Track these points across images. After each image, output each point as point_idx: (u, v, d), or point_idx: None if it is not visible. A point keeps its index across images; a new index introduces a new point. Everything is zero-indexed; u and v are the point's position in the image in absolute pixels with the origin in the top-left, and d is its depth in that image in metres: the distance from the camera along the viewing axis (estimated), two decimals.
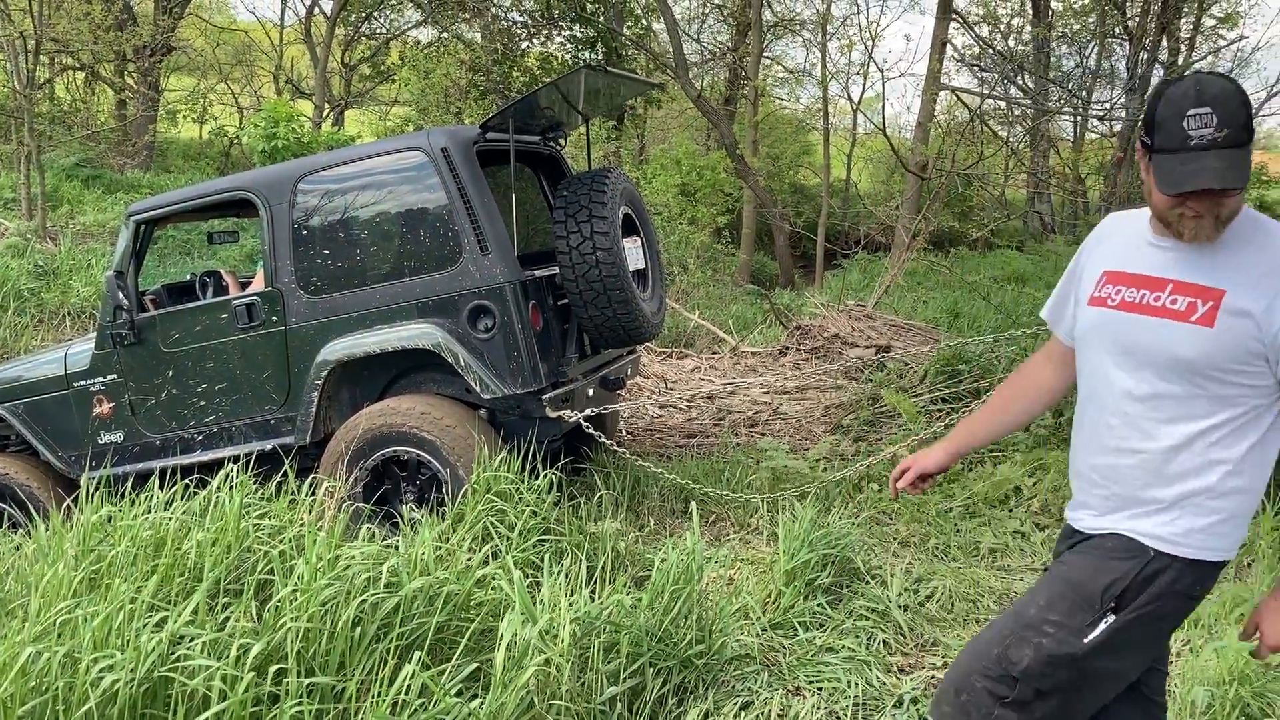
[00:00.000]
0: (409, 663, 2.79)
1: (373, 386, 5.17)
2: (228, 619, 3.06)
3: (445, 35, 21.17)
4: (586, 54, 21.52)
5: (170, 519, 3.64)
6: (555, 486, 4.58)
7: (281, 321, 5.01)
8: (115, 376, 5.29)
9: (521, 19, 20.93)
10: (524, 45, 21.16)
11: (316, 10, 25.22)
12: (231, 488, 3.83)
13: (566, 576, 3.56)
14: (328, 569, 3.23)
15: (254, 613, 3.15)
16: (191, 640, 2.90)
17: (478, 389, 4.77)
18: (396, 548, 3.56)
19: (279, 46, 30.09)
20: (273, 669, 2.85)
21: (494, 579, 3.48)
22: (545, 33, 21.07)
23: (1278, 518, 4.37)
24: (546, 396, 4.86)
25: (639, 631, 3.29)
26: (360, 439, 4.81)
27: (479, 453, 4.56)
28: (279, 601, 3.09)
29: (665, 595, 3.46)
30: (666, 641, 3.35)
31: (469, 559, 3.66)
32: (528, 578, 3.71)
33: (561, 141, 5.84)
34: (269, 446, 5.10)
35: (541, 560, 3.93)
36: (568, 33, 21.09)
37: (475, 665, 3.02)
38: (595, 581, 3.84)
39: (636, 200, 5.58)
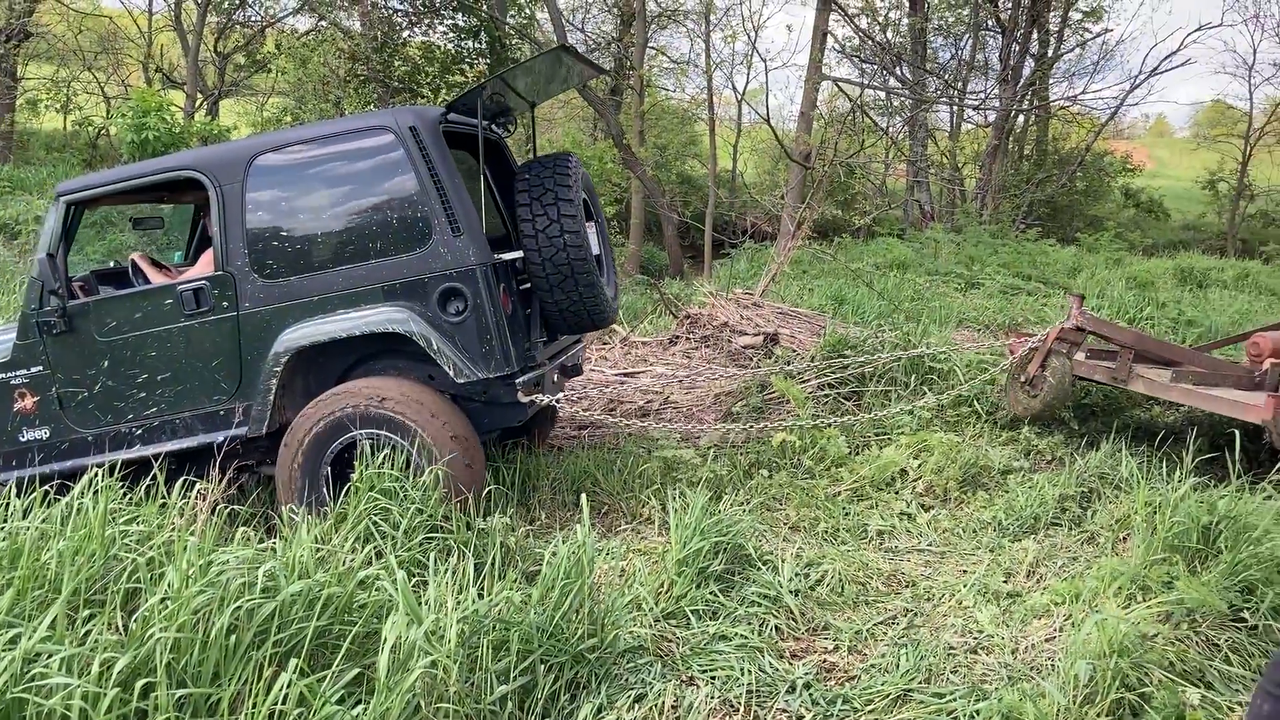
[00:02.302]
0: (286, 670, 2.67)
1: (328, 374, 4.98)
2: (89, 633, 2.88)
3: (323, 23, 20.60)
4: (470, 43, 21.21)
5: (28, 528, 3.42)
6: (440, 482, 4.47)
7: (233, 307, 4.75)
8: (40, 368, 4.90)
9: (402, 7, 20.52)
10: (405, 34, 20.73)
11: None
12: (96, 493, 3.63)
13: (454, 575, 3.46)
14: (200, 575, 3.08)
15: (120, 624, 2.98)
16: (49, 657, 2.72)
17: (450, 373, 4.65)
18: (274, 550, 3.41)
19: (147, 34, 28.89)
20: (140, 683, 2.69)
21: (377, 580, 3.36)
22: (427, 21, 20.69)
23: (1151, 492, 4.52)
24: (519, 380, 4.79)
25: (529, 628, 3.22)
26: (326, 423, 4.63)
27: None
28: (146, 611, 2.92)
29: (556, 590, 3.40)
30: (558, 637, 3.28)
31: (351, 560, 3.53)
32: (413, 577, 3.61)
33: (510, 128, 5.70)
34: (220, 439, 4.80)
35: (428, 559, 3.83)
36: (450, 22, 20.75)
37: (358, 670, 2.91)
38: (484, 579, 3.75)
39: (590, 186, 5.55)
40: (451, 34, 20.69)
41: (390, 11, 19.80)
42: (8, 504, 3.69)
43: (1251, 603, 3.73)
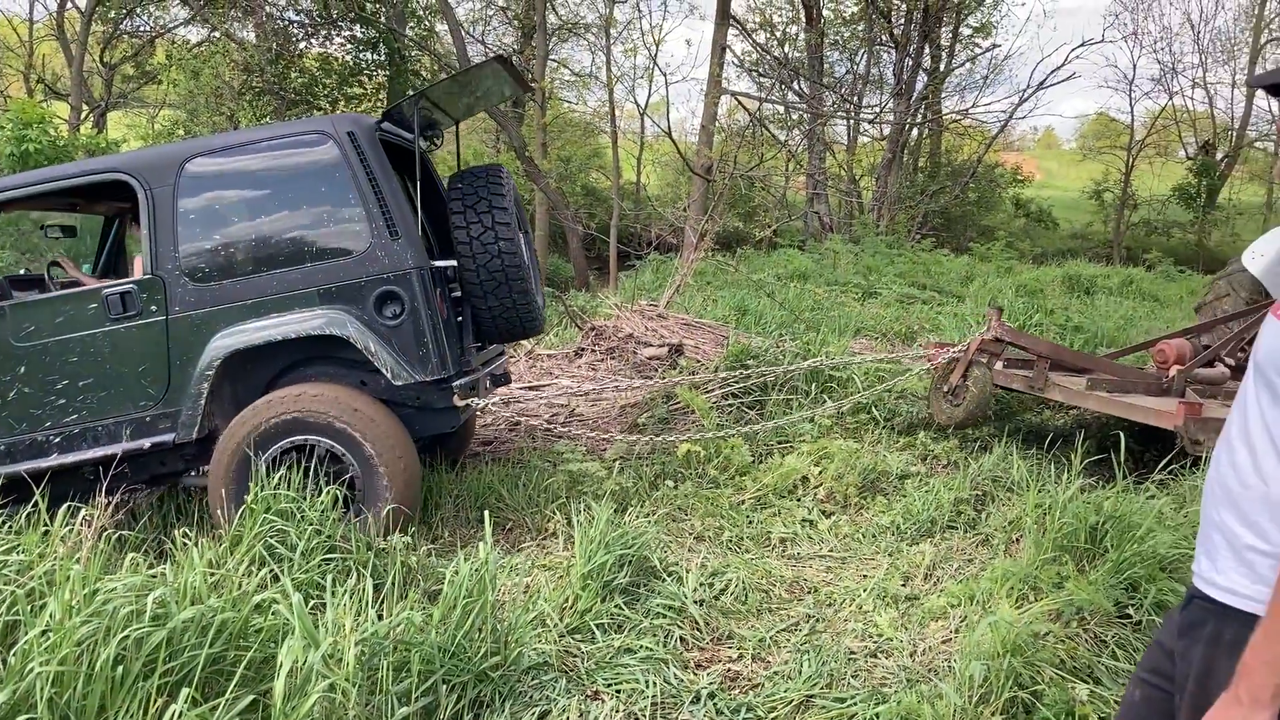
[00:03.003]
0: (176, 700, 2.58)
1: (257, 381, 4.90)
2: None
3: (216, 34, 20.14)
4: (369, 55, 20.97)
5: None
6: (341, 502, 4.40)
7: (162, 311, 4.68)
8: None
9: (298, 18, 20.20)
10: (301, 45, 20.41)
11: (70, 5, 23.49)
12: None
13: (353, 596, 3.40)
14: (84, 605, 2.96)
15: None
16: None
17: (388, 376, 4.66)
18: (164, 576, 3.30)
19: (28, 43, 27.87)
20: None
21: (273, 604, 3.28)
22: (324, 33, 20.40)
23: (1041, 494, 4.66)
24: (457, 384, 4.83)
25: (430, 648, 3.18)
26: (263, 429, 4.56)
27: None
28: (26, 645, 2.80)
29: (458, 608, 3.36)
30: (460, 656, 3.24)
31: (245, 584, 3.43)
32: (311, 600, 3.54)
33: (437, 142, 5.71)
34: (146, 445, 4.71)
35: (326, 580, 3.76)
36: (348, 33, 20.49)
37: (252, 697, 2.83)
38: (385, 599, 3.69)
39: (518, 197, 5.60)
40: (349, 45, 20.44)
41: (286, 23, 19.46)
42: None
43: (1136, 599, 3.87)
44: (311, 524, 4.13)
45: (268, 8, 19.14)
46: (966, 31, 27.36)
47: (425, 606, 3.53)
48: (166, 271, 4.70)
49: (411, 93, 4.99)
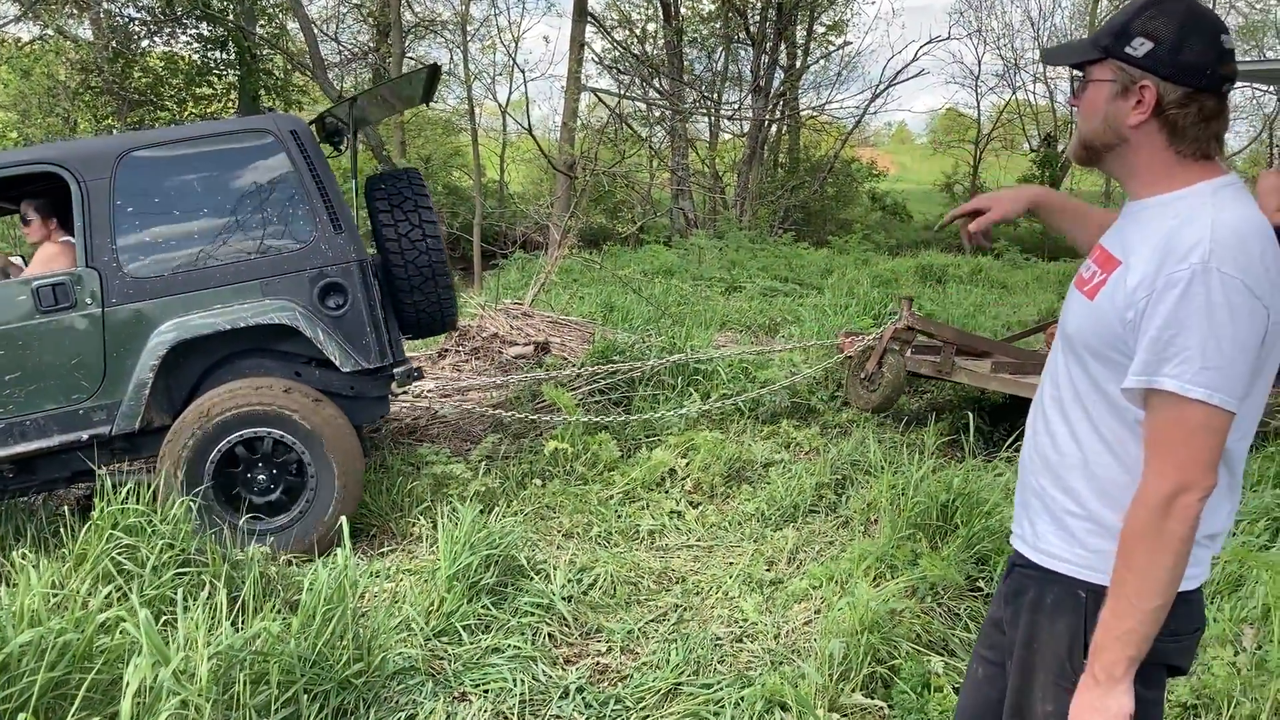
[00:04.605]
0: None
1: (190, 373, 4.87)
2: None
3: (48, 32, 19.14)
4: (217, 54, 20.26)
5: None
6: (195, 513, 4.25)
7: (98, 303, 4.62)
8: None
9: (139, 15, 19.35)
10: (144, 44, 19.57)
11: None
12: None
13: (206, 610, 3.28)
14: None
15: None
16: None
17: (337, 362, 4.80)
18: None
19: None
20: None
21: (121, 622, 3.14)
22: (168, 30, 19.62)
23: (895, 476, 4.82)
24: (397, 371, 5.02)
25: (290, 658, 3.09)
26: (214, 421, 4.58)
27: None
28: None
29: (318, 617, 3.28)
30: (321, 665, 3.17)
31: (89, 603, 3.28)
32: (162, 616, 3.41)
33: (342, 148, 5.79)
34: (84, 437, 4.66)
35: (178, 596, 3.62)
36: (194, 31, 19.76)
37: None
38: (242, 612, 3.57)
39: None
40: (196, 44, 19.71)
41: (126, 20, 18.63)
42: None
43: (985, 572, 4.04)
44: (164, 538, 3.98)
45: (105, 4, 18.29)
46: (820, 29, 28.08)
47: (285, 616, 3.44)
48: (103, 264, 4.64)
49: (350, 94, 5.05)
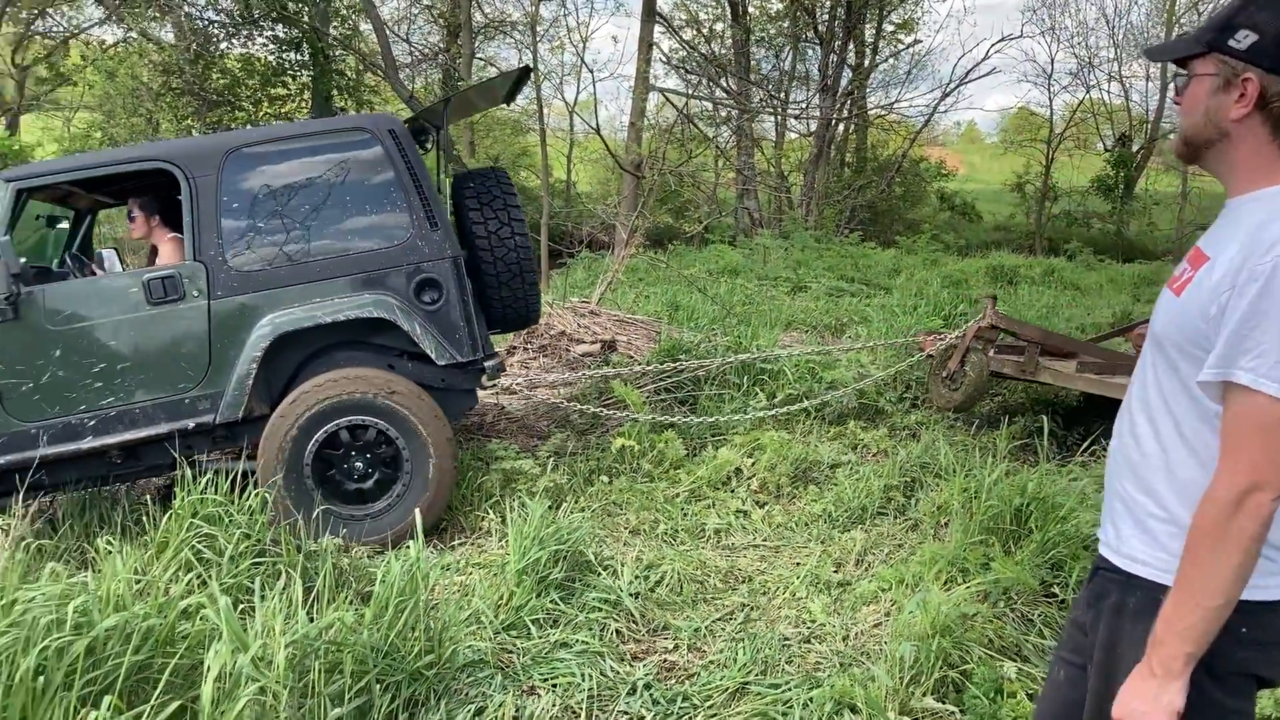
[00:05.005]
0: (99, 709, 2.53)
1: (286, 365, 5.00)
2: None
3: (132, 34, 19.65)
4: (292, 55, 20.62)
5: None
6: (268, 505, 4.34)
7: (205, 296, 4.78)
8: None
9: (218, 18, 19.78)
10: (222, 45, 20.00)
11: None
12: None
13: (283, 599, 3.35)
14: (2, 615, 2.88)
15: None
16: None
17: (433, 355, 4.95)
18: (85, 585, 3.22)
19: None
20: None
21: (201, 609, 3.22)
22: (246, 33, 20.01)
23: (968, 479, 4.76)
24: (488, 365, 5.14)
25: (363, 648, 3.14)
26: (315, 409, 4.77)
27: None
28: None
29: (390, 608, 3.33)
30: (393, 655, 3.22)
31: (171, 590, 3.37)
32: (240, 604, 3.48)
33: (427, 147, 5.88)
34: (190, 425, 4.80)
35: (257, 584, 3.70)
36: (270, 33, 20.13)
37: (180, 703, 2.77)
38: (316, 602, 3.64)
39: None
40: (272, 46, 20.08)
41: (206, 22, 19.05)
42: None
43: (1060, 578, 3.97)
44: (240, 528, 4.08)
45: (186, 7, 18.72)
46: (889, 28, 27.79)
47: (358, 607, 3.50)
48: (209, 257, 4.80)
49: (444, 95, 5.21)
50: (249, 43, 20.49)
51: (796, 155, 27.22)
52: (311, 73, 20.72)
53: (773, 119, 25.99)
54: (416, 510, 4.06)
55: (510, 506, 4.72)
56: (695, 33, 23.52)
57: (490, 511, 5.10)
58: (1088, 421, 6.51)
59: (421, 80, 26.22)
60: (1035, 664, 3.48)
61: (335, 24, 20.92)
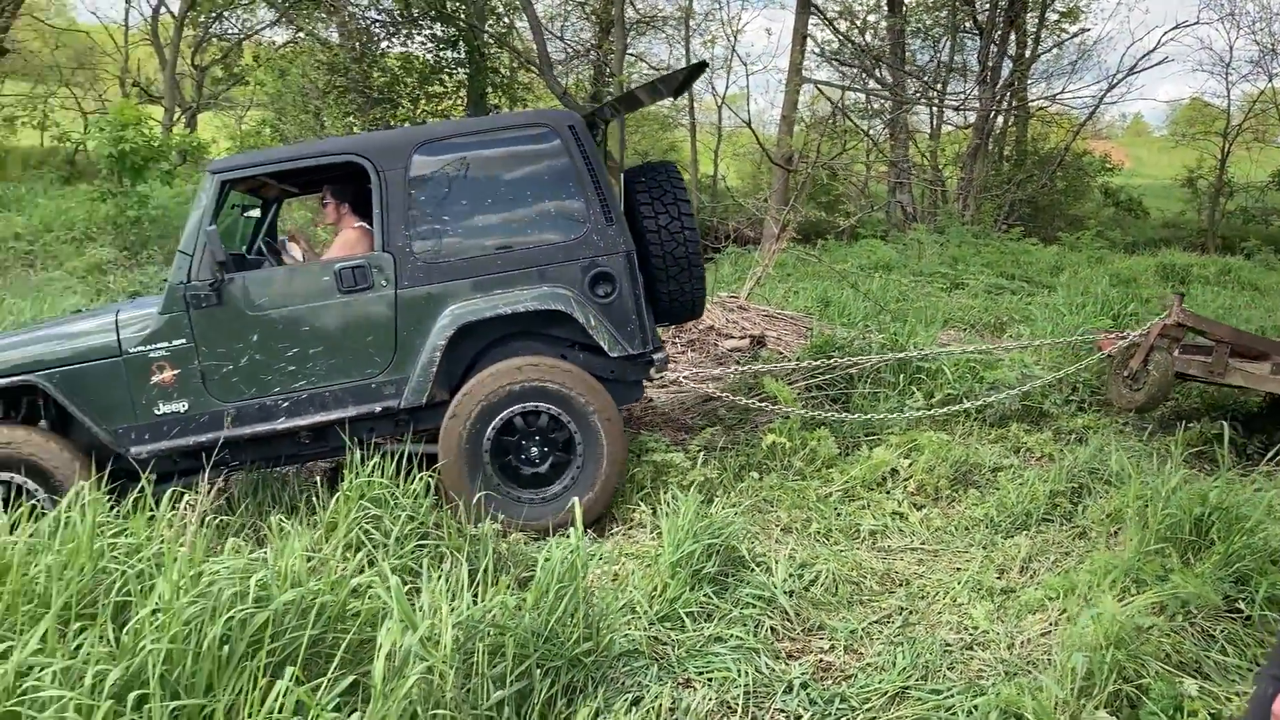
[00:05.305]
0: (283, 679, 2.64)
1: (465, 352, 5.18)
2: (80, 645, 2.84)
3: (301, 35, 20.53)
4: (448, 53, 21.18)
5: (15, 543, 3.38)
6: (430, 489, 4.46)
7: (391, 285, 4.98)
8: (184, 341, 4.89)
9: (380, 18, 20.46)
10: (383, 44, 20.68)
11: (163, 10, 24.19)
12: (83, 507, 3.58)
13: (447, 581, 3.43)
14: (190, 586, 3.04)
15: (111, 637, 2.94)
16: (41, 670, 2.69)
17: (605, 348, 5.07)
18: (264, 560, 3.37)
19: (124, 48, 28.78)
20: (133, 695, 2.66)
21: (370, 588, 3.34)
22: (405, 31, 20.64)
23: (1141, 485, 4.53)
24: (656, 358, 5.25)
25: (525, 632, 3.20)
26: (496, 396, 4.94)
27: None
28: (138, 623, 2.89)
29: (550, 594, 3.38)
30: (553, 641, 3.26)
31: (343, 569, 3.50)
32: (406, 584, 3.58)
33: (597, 139, 6.04)
34: (376, 409, 5.02)
35: (421, 566, 3.81)
36: (428, 31, 20.71)
37: (353, 678, 2.88)
38: (478, 584, 3.72)
39: None
40: (430, 44, 20.64)
41: (369, 22, 19.74)
42: None
43: (1246, 593, 3.74)
44: (405, 510, 4.20)
45: (350, 8, 19.43)
46: (1053, 16, 26.71)
47: (517, 592, 3.56)
48: (396, 249, 4.99)
49: (613, 93, 5.29)
50: (408, 41, 21.14)
51: (953, 148, 26.49)
52: (467, 70, 21.24)
53: (928, 111, 25.36)
54: (576, 499, 4.11)
55: (661, 499, 4.73)
56: (849, 24, 23.13)
57: (641, 503, 5.12)
58: (1270, 429, 6.13)
59: (573, 77, 26.60)
60: (1218, 682, 3.30)
61: (491, 22, 21.38)
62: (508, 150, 5.12)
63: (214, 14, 24.46)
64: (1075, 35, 26.71)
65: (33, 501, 4.14)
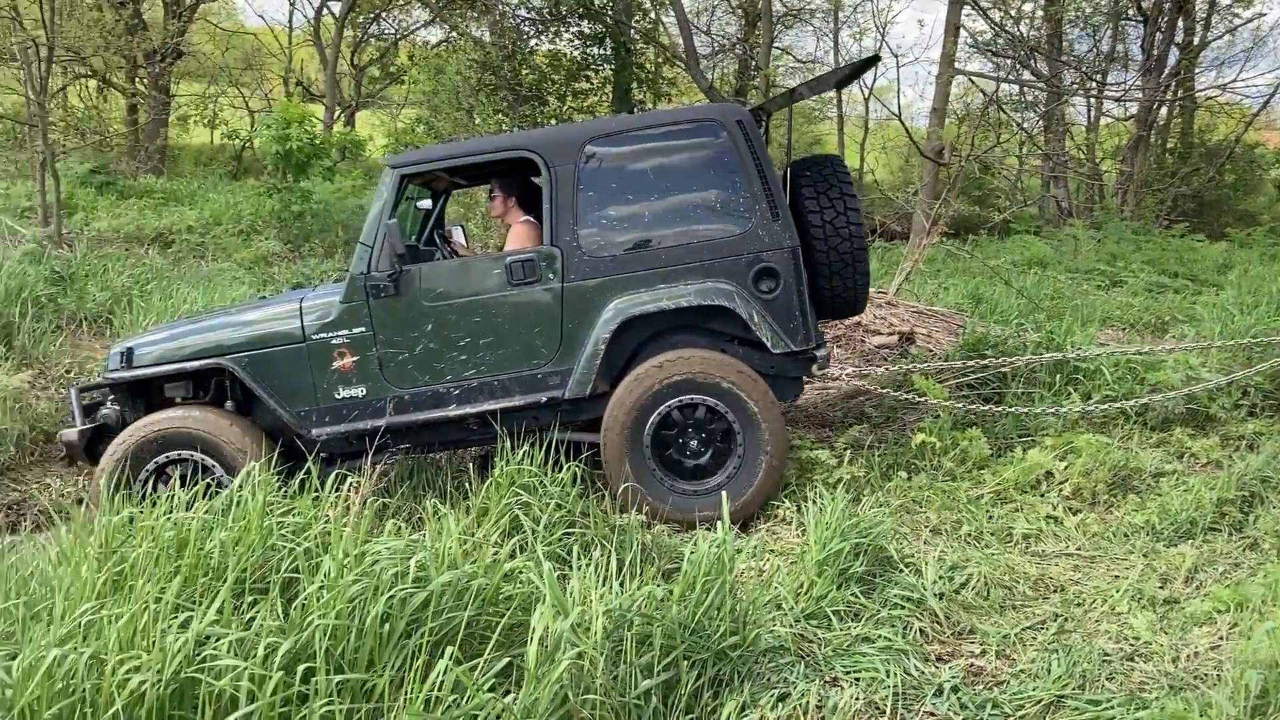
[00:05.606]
0: (441, 658, 2.73)
1: (627, 344, 5.27)
2: (253, 618, 3.01)
3: (454, 34, 21.07)
4: (595, 50, 21.43)
5: (192, 519, 3.59)
6: (577, 479, 4.54)
7: (559, 279, 5.09)
8: (363, 329, 5.12)
9: (530, 16, 20.84)
10: (532, 42, 21.06)
11: (325, 12, 25.19)
12: (254, 486, 3.79)
13: (595, 569, 3.49)
14: (354, 565, 3.18)
15: (280, 611, 3.10)
16: (217, 640, 2.85)
17: (768, 343, 5.07)
18: (423, 542, 3.50)
19: (288, 49, 30.11)
20: (301, 668, 2.80)
21: (523, 572, 3.42)
22: (554, 29, 20.98)
23: None
24: (819, 355, 5.21)
25: (672, 624, 3.22)
26: (656, 389, 4.99)
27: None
28: (305, 599, 3.04)
29: (697, 587, 3.40)
30: (700, 634, 3.28)
31: (495, 553, 3.60)
32: (555, 571, 3.66)
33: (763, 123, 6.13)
34: (542, 399, 5.14)
35: (568, 553, 3.89)
36: (576, 29, 21.00)
37: (506, 660, 2.96)
38: (623, 575, 3.78)
39: None
40: (577, 41, 20.92)
41: (519, 20, 20.13)
42: (172, 496, 3.87)
43: None
44: (553, 498, 4.29)
45: (501, 6, 19.85)
46: (1225, 1, 25.29)
47: (662, 584, 3.59)
48: (565, 243, 5.10)
49: (783, 89, 5.35)
50: (556, 39, 21.48)
51: (1112, 141, 25.39)
52: (612, 67, 21.45)
53: (1086, 102, 24.35)
54: (723, 493, 4.12)
55: (807, 496, 4.69)
56: (1004, 13, 22.42)
57: (786, 500, 5.10)
58: None
59: (718, 71, 26.55)
60: None
61: (637, 18, 21.53)
62: (675, 145, 5.16)
63: (373, 15, 25.34)
64: (1249, 20, 25.22)
65: (209, 479, 4.39)
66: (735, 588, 3.62)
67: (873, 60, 5.62)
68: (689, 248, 5.08)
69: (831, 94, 25.05)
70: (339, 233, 14.22)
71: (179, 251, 13.19)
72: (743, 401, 4.98)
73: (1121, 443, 5.78)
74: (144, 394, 5.39)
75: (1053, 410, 5.98)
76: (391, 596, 3.04)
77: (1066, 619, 3.87)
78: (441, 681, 2.71)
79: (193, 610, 2.98)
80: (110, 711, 2.62)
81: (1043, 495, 5.20)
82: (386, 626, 2.99)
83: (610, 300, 5.06)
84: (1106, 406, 5.98)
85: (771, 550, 4.56)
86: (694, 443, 5.09)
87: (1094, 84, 21.46)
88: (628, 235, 5.12)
